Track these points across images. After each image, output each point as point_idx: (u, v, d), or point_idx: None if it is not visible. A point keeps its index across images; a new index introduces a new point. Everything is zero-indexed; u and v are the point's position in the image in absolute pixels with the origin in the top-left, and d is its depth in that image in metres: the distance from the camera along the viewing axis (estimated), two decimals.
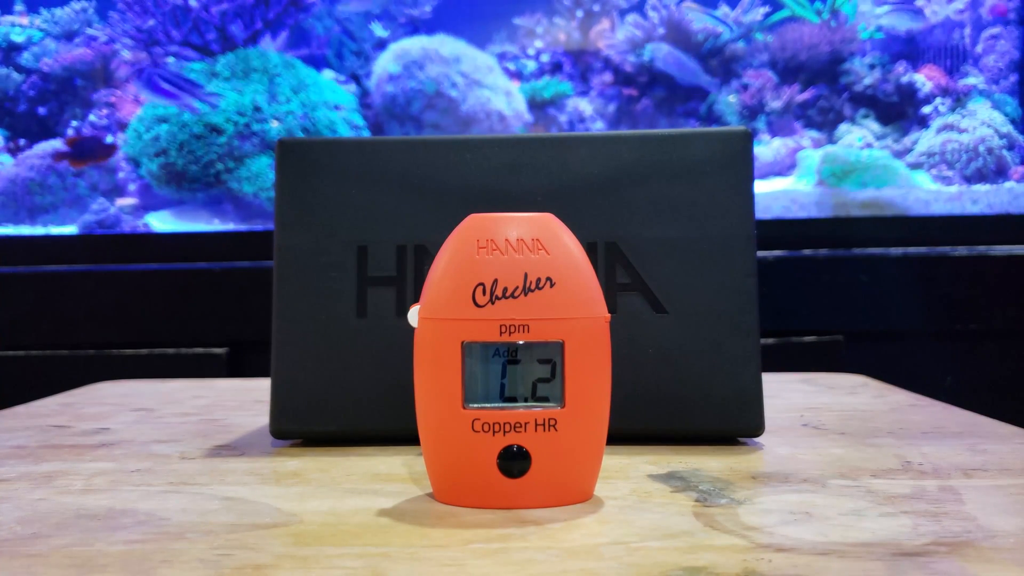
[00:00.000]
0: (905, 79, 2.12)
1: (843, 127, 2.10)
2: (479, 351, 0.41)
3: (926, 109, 2.09)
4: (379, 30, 2.21)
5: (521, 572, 0.34)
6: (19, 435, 0.61)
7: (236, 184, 1.90)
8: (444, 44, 2.11)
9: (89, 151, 1.89)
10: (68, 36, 2.20)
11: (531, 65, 2.24)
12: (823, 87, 2.13)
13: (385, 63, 2.11)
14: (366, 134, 2.04)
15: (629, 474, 0.48)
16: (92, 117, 2.12)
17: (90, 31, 2.18)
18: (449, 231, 0.43)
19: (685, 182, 0.56)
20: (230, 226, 1.92)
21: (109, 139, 2.03)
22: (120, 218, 1.92)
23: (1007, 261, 1.47)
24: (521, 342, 0.41)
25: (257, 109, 1.89)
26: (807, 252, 1.53)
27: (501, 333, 0.41)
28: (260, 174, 1.89)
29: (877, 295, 1.47)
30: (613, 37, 2.21)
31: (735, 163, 0.57)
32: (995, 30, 2.12)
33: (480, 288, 0.41)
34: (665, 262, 0.56)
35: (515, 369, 0.42)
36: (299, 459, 0.53)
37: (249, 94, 1.91)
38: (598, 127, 2.18)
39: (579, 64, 2.23)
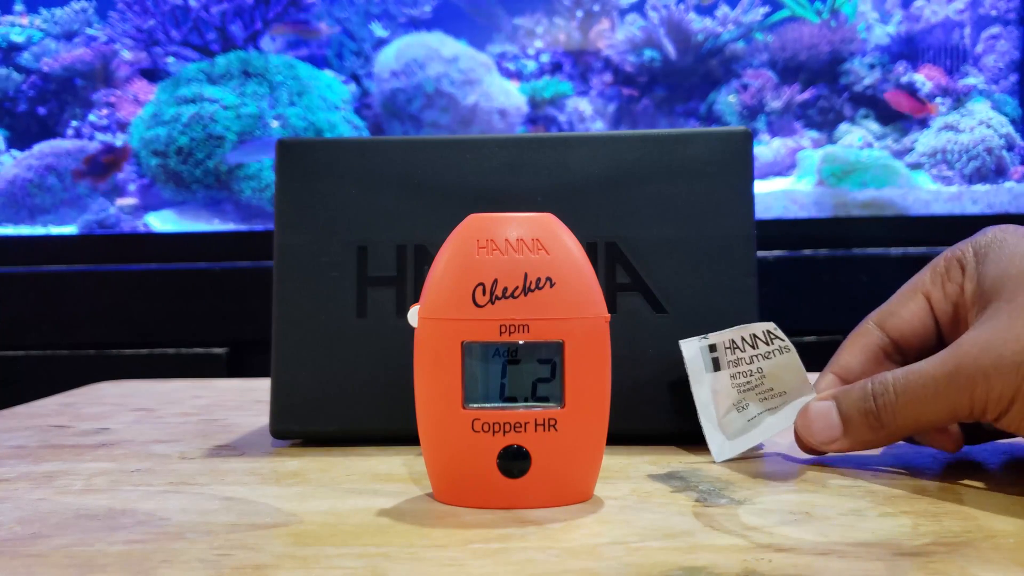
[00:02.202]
0: (905, 79, 2.12)
1: (843, 127, 2.10)
2: (479, 351, 0.41)
3: None
4: (379, 30, 2.21)
5: (521, 572, 0.34)
6: (19, 435, 0.61)
7: (236, 185, 1.90)
8: (444, 43, 2.11)
9: (105, 163, 1.89)
10: (68, 36, 2.20)
11: (531, 65, 2.24)
12: (823, 87, 2.13)
13: (385, 62, 2.11)
14: (366, 134, 2.04)
15: (629, 474, 0.48)
16: (92, 117, 2.12)
17: (90, 31, 2.18)
18: (449, 231, 0.43)
19: (685, 182, 0.56)
20: (230, 226, 1.92)
21: (118, 141, 2.03)
22: (120, 218, 1.92)
23: None
24: (521, 342, 0.41)
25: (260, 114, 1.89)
26: (807, 252, 1.53)
27: (501, 333, 0.41)
28: (260, 174, 1.89)
29: (877, 295, 1.46)
30: (613, 37, 2.21)
31: (735, 163, 0.57)
32: (995, 30, 2.12)
33: (480, 288, 0.41)
34: (665, 262, 0.56)
35: (515, 369, 0.42)
36: (299, 459, 0.53)
37: (249, 95, 1.91)
38: (598, 127, 2.18)
39: (579, 64, 2.23)
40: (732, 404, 0.49)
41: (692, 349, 0.49)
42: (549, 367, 0.42)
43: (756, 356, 0.49)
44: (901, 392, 0.45)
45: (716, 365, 0.49)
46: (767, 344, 0.49)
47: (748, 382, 0.49)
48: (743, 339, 0.49)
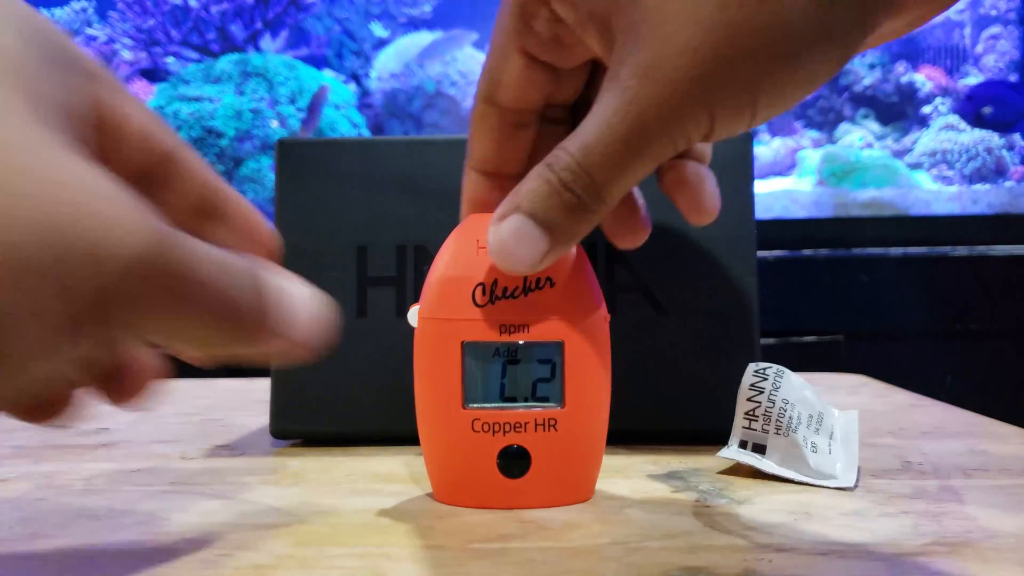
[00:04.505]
0: (905, 79, 2.12)
1: (843, 127, 2.10)
2: (479, 351, 0.41)
3: (926, 109, 2.09)
4: (379, 30, 2.21)
5: (521, 572, 0.34)
6: (19, 435, 0.61)
7: (236, 185, 1.90)
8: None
9: None
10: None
11: None
12: (823, 87, 2.13)
13: (385, 62, 2.11)
14: (366, 134, 2.04)
15: (629, 474, 0.48)
16: None
17: (90, 31, 2.18)
18: (449, 231, 0.43)
19: None
20: None
21: None
22: None
23: (1007, 261, 1.47)
24: (521, 342, 0.41)
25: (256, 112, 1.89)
26: (807, 252, 1.53)
27: (501, 333, 0.41)
28: (260, 175, 1.89)
29: (877, 295, 1.47)
30: None
31: (735, 163, 0.57)
32: (995, 30, 2.12)
33: (480, 288, 0.41)
34: (665, 262, 0.56)
35: (515, 369, 0.42)
36: (299, 459, 0.53)
37: (248, 96, 1.91)
38: None
39: None
40: (805, 448, 0.46)
41: (734, 454, 0.47)
42: (549, 367, 0.42)
43: (771, 396, 0.46)
44: (584, 156, 0.36)
45: (760, 449, 0.47)
46: (763, 379, 0.47)
47: (790, 418, 0.46)
48: (749, 400, 0.47)
